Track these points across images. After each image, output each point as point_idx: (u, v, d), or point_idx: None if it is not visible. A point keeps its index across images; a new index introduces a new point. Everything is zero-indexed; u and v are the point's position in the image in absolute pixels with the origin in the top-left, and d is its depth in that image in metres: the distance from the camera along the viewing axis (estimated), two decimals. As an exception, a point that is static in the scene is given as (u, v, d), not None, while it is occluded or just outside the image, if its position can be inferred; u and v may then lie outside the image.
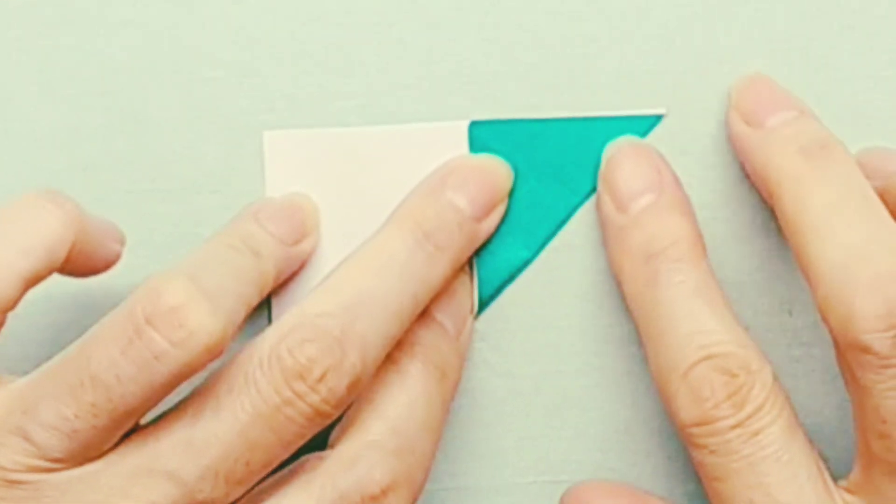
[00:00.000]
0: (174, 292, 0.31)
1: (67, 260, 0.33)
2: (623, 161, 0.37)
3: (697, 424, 0.33)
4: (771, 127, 0.36)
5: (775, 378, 0.33)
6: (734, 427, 0.32)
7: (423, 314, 0.36)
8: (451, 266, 0.36)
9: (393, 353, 0.35)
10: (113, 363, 0.31)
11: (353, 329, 0.33)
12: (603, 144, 0.38)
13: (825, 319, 0.32)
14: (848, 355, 0.32)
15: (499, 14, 0.38)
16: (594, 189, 0.38)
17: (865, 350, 0.32)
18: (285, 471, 0.34)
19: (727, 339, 0.33)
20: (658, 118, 0.38)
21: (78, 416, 0.31)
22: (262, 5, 0.38)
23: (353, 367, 0.33)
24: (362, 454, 0.33)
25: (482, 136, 0.38)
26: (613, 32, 0.38)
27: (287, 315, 0.34)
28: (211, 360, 0.32)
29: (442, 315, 0.37)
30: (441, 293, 0.36)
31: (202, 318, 0.31)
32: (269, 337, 0.33)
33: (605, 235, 0.37)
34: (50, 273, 0.33)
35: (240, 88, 0.38)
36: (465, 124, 0.38)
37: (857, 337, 0.32)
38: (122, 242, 0.36)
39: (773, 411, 0.33)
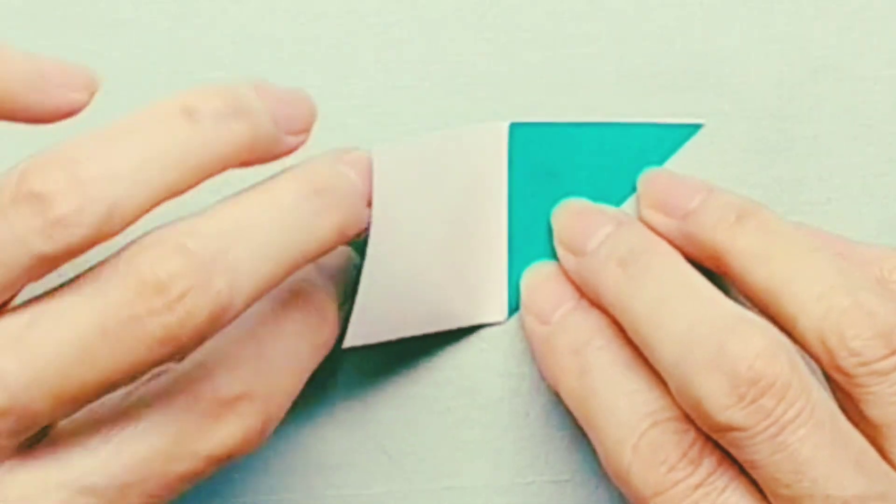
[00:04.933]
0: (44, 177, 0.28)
1: None
2: (539, 283, 0.38)
3: (657, 493, 0.32)
4: (591, 250, 0.36)
5: None
6: (697, 487, 0.32)
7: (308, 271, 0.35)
8: (338, 230, 0.32)
9: (273, 296, 0.33)
10: None
11: (225, 255, 0.29)
12: (643, 151, 0.38)
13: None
14: (721, 442, 0.32)
15: (499, 14, 0.38)
16: (629, 195, 0.38)
17: (731, 428, 0.31)
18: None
19: (666, 403, 0.33)
20: (697, 127, 0.38)
21: None
22: (262, 5, 0.38)
23: (219, 294, 0.29)
24: (221, 361, 0.31)
25: (522, 138, 0.38)
26: (613, 33, 0.38)
27: (154, 231, 0.30)
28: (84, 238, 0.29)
29: (325, 279, 0.35)
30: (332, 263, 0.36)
31: (69, 199, 0.28)
32: (130, 249, 0.29)
33: (534, 352, 0.37)
34: None
35: (240, 88, 0.38)
36: (505, 125, 0.38)
37: (715, 420, 0.31)
38: (90, 89, 0.31)
39: (730, 470, 0.32)
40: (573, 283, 0.37)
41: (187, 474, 0.31)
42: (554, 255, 0.38)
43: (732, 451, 0.32)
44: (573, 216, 0.38)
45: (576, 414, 0.35)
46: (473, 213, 0.38)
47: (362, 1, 0.38)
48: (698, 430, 0.33)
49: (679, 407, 0.33)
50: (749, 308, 0.33)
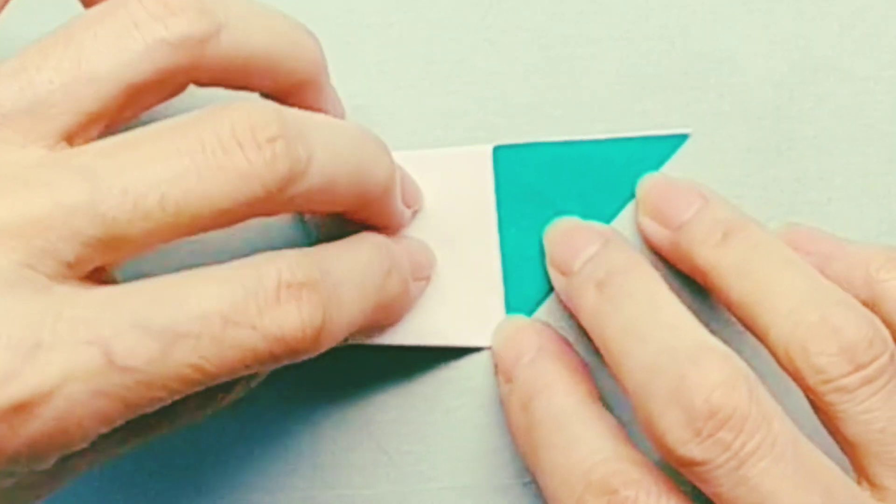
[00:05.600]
0: None
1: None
2: (504, 339, 0.37)
3: None
4: (575, 271, 0.36)
5: (659, 473, 0.32)
6: None
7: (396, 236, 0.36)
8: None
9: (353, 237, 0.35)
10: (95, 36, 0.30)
11: (308, 139, 0.31)
12: (630, 165, 0.38)
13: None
14: (685, 476, 0.31)
15: (499, 14, 0.38)
16: (619, 210, 0.38)
17: (691, 463, 0.31)
18: None
19: (602, 457, 0.33)
20: (683, 137, 0.38)
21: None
22: (262, 5, 0.38)
23: (300, 157, 0.31)
24: (288, 254, 0.31)
25: (507, 159, 0.38)
26: (613, 33, 0.38)
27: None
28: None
29: (408, 248, 0.37)
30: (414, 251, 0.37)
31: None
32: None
33: (503, 410, 0.37)
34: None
35: (240, 88, 0.38)
36: (489, 149, 0.38)
37: (676, 455, 0.31)
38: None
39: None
40: (538, 331, 0.37)
41: (241, 349, 0.30)
42: (548, 277, 0.38)
43: (697, 484, 0.31)
44: (562, 236, 0.38)
45: (528, 467, 0.35)
46: (464, 238, 0.38)
47: (362, 1, 0.38)
48: (632, 482, 0.32)
49: (615, 457, 0.33)
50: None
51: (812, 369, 0.32)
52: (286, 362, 0.31)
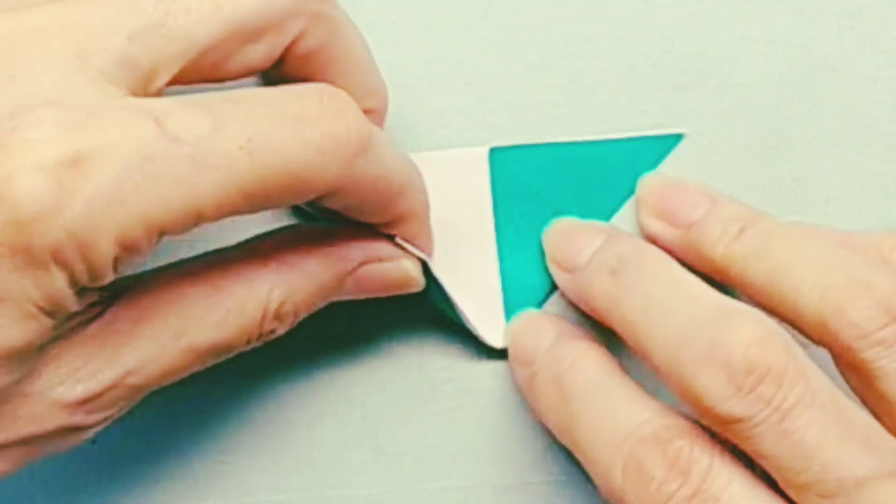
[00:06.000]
0: None
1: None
2: (520, 330, 0.37)
3: None
4: (582, 264, 0.36)
5: (714, 434, 0.32)
6: (691, 498, 0.31)
7: None
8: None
9: None
10: None
11: None
12: (625, 166, 0.38)
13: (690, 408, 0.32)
14: (727, 436, 0.31)
15: (499, 14, 0.38)
16: (615, 211, 0.38)
17: (733, 420, 0.31)
18: None
19: (649, 415, 0.33)
20: (679, 137, 0.38)
21: None
22: (262, 5, 0.38)
23: None
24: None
25: (503, 161, 0.38)
26: (613, 33, 0.38)
27: None
28: None
29: None
30: None
31: None
32: None
33: (525, 398, 0.37)
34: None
35: (239, 88, 0.38)
36: (485, 150, 0.38)
37: (716, 413, 0.31)
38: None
39: (724, 469, 0.31)
40: (554, 322, 0.37)
41: (289, 138, 0.30)
42: (547, 276, 0.38)
43: (739, 443, 0.31)
44: (563, 235, 0.37)
45: (569, 446, 0.34)
46: (461, 241, 0.38)
47: (362, 1, 0.38)
48: (685, 433, 0.32)
49: (663, 414, 0.33)
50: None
51: (848, 326, 0.32)
52: (320, 187, 0.31)
